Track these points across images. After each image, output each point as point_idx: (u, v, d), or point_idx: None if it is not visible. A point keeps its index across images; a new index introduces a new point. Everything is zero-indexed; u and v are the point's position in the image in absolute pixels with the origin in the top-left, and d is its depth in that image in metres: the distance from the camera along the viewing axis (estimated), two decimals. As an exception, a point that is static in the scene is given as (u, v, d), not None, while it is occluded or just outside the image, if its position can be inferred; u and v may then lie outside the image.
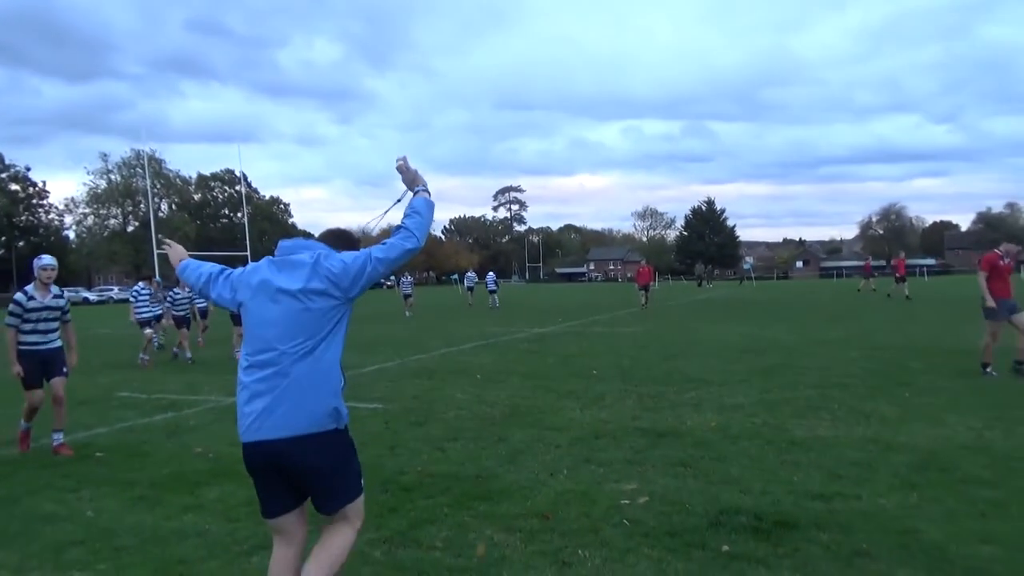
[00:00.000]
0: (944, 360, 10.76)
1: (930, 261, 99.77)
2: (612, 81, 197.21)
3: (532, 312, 28.00)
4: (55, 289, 6.75)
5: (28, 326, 6.57)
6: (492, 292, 32.86)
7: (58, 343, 6.77)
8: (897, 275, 29.63)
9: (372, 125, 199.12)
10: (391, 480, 5.38)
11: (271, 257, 3.02)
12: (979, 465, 5.29)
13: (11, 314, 6.48)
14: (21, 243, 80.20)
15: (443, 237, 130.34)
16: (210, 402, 9.09)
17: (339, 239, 3.21)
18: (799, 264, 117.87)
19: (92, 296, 64.03)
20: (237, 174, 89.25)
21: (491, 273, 35.55)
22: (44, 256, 6.74)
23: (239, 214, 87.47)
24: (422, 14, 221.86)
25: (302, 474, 2.88)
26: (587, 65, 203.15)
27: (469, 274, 37.43)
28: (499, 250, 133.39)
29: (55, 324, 6.75)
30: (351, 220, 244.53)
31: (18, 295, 6.57)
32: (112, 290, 68.29)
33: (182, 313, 14.85)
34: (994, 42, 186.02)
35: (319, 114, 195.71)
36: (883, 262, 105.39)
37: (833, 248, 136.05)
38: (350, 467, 3.00)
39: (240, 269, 3.15)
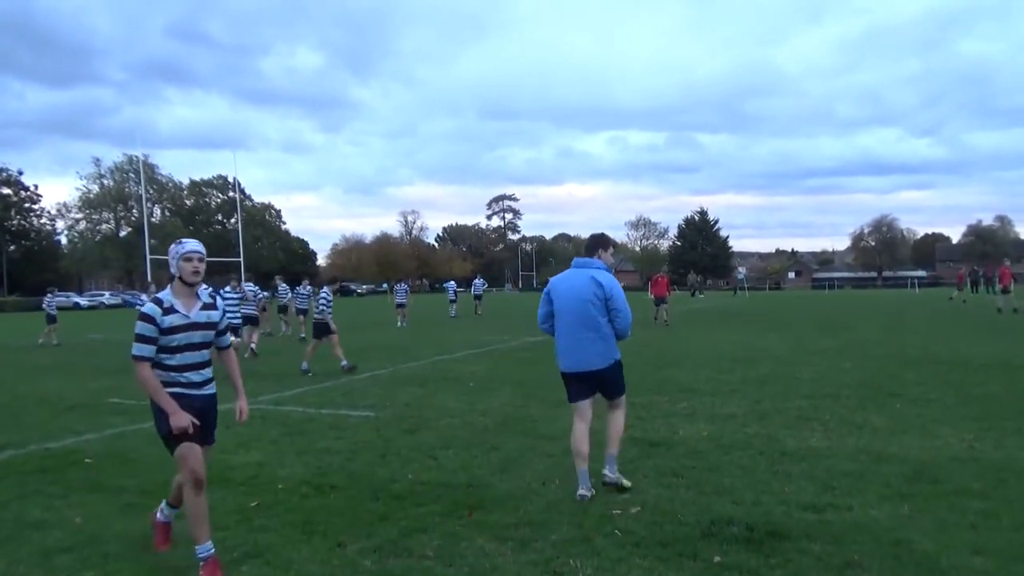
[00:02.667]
0: (936, 371, 10.80)
1: (921, 273, 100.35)
2: (595, 91, 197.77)
3: (525, 321, 27.94)
4: (204, 294, 4.22)
5: (170, 358, 3.98)
6: (452, 302, 32.24)
7: (213, 387, 4.25)
8: (1002, 285, 26.01)
9: (358, 133, 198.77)
10: (382, 488, 5.36)
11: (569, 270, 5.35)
12: (970, 476, 5.31)
13: (141, 339, 3.90)
14: (12, 247, 79.82)
15: (436, 244, 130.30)
16: (201, 408, 9.03)
17: (597, 244, 5.42)
18: (791, 275, 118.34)
19: (83, 301, 63.67)
20: (230, 180, 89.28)
21: (452, 283, 34.90)
22: (187, 241, 4.15)
23: (232, 220, 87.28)
24: (402, 23, 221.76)
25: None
26: (570, 75, 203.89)
27: (477, 281, 36.04)
28: (492, 258, 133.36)
29: (207, 354, 4.19)
30: (344, 227, 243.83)
31: (148, 306, 3.95)
32: (103, 295, 67.90)
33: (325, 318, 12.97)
34: (971, 57, 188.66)
35: (305, 122, 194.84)
36: (873, 274, 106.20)
37: (825, 259, 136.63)
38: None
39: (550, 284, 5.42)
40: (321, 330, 12.87)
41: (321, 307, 12.93)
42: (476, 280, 36.42)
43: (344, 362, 12.57)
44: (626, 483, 5.15)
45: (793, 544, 4.08)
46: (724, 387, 9.73)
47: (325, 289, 13.40)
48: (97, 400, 10.06)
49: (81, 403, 9.77)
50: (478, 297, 34.08)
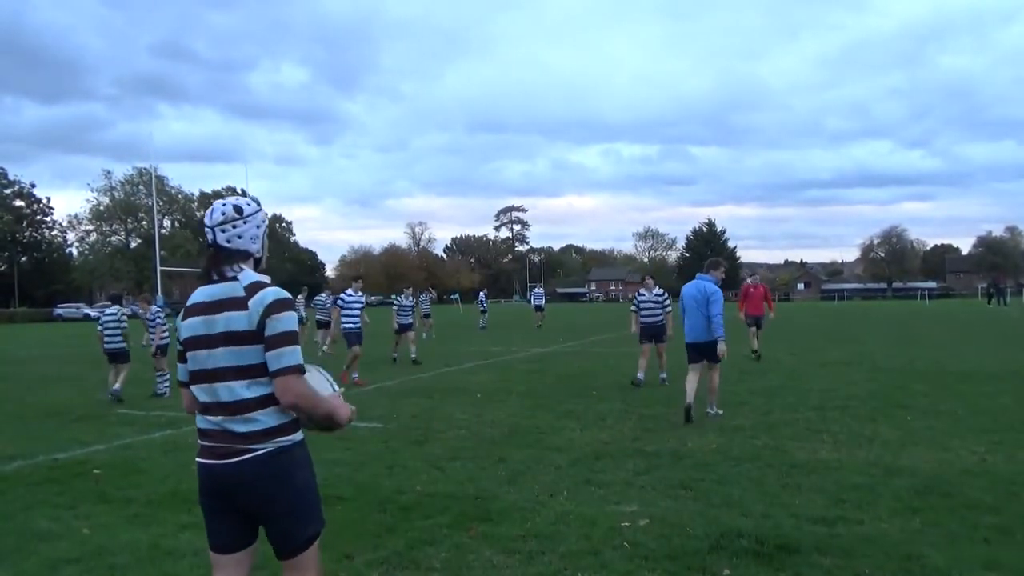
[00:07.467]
0: (946, 382, 10.72)
1: (931, 284, 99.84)
2: (582, 105, 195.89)
3: (532, 331, 27.91)
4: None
5: None
6: (539, 309, 30.96)
7: None
8: None
9: (351, 146, 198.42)
10: (389, 500, 5.34)
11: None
12: (982, 490, 5.26)
13: None
14: (23, 259, 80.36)
15: (444, 256, 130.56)
16: (209, 419, 9.04)
17: (711, 266, 8.46)
18: (800, 286, 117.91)
19: (93, 312, 64.08)
20: (239, 192, 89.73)
21: (539, 290, 34.02)
22: None
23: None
24: (381, 40, 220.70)
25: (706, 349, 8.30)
26: (555, 90, 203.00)
27: (537, 291, 34.09)
28: (500, 269, 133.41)
29: None
30: (348, 239, 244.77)
31: None
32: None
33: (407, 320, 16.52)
34: (953, 70, 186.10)
35: (296, 135, 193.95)
36: (883, 285, 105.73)
37: (834, 270, 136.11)
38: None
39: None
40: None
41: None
42: (536, 290, 35.08)
43: None
44: (720, 411, 8.42)
45: (803, 558, 4.04)
46: (732, 398, 9.67)
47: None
48: (105, 411, 10.09)
49: (89, 414, 9.80)
50: (539, 308, 31.57)
